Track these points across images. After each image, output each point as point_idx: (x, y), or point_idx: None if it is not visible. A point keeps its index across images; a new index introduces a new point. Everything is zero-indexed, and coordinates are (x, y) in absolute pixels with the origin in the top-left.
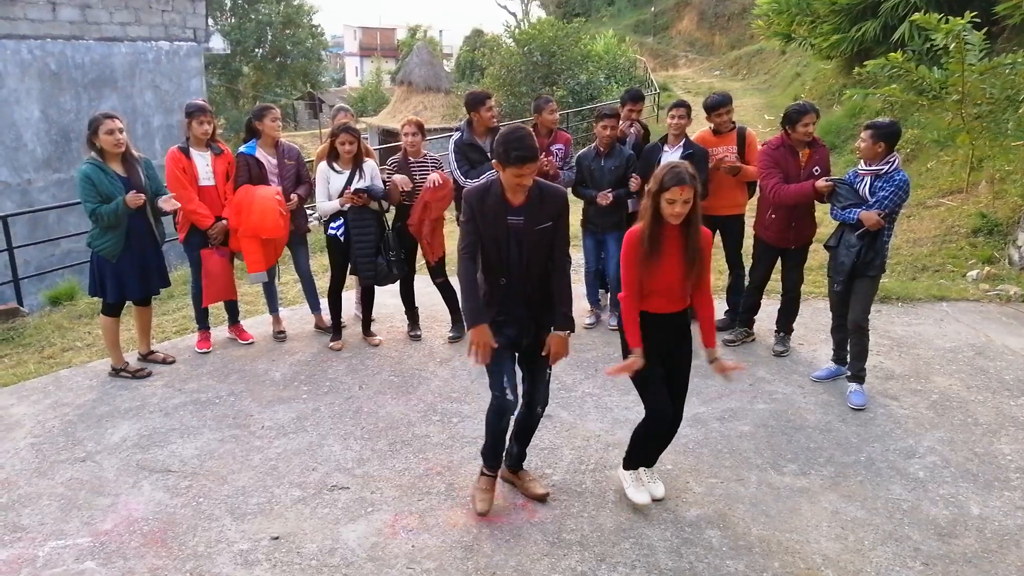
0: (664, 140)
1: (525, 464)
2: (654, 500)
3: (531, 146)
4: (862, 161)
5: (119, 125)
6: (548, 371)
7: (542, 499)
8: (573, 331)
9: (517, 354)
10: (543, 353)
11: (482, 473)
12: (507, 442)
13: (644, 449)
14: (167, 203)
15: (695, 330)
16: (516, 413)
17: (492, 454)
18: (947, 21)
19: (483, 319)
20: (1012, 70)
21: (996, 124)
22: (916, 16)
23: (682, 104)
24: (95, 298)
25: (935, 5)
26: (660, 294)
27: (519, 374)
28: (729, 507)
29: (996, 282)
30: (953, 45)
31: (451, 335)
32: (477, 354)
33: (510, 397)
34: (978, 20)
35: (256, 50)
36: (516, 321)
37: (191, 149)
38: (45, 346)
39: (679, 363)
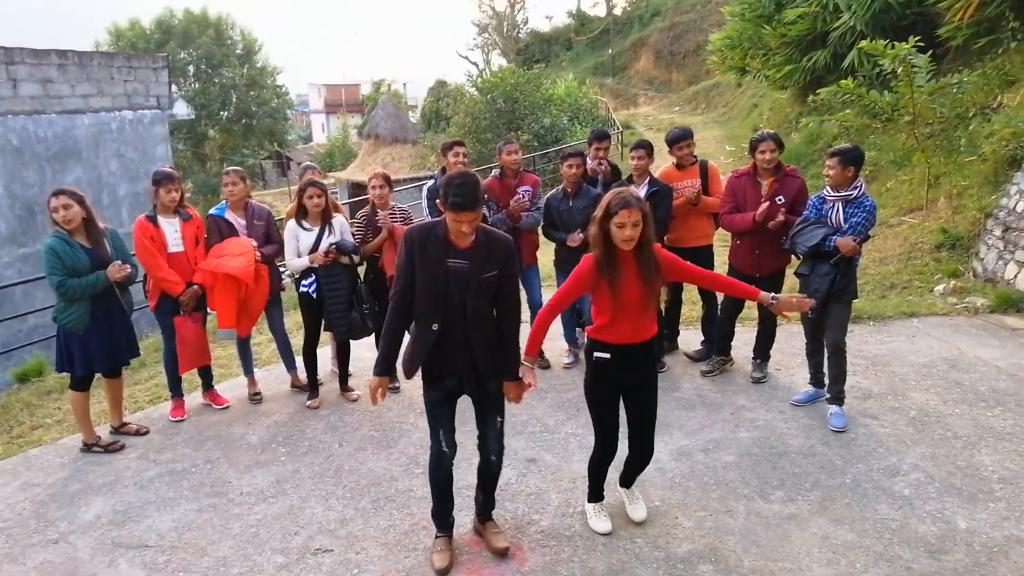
0: (629, 179)
1: (511, 512)
2: (636, 523)
3: (470, 195)
4: (828, 188)
5: (64, 202)
6: (499, 420)
7: (502, 553)
8: (518, 377)
9: (455, 405)
10: (507, 397)
11: (436, 536)
12: (452, 497)
13: (599, 478)
14: (117, 271)
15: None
16: (478, 464)
17: (438, 513)
18: (893, 47)
19: (384, 372)
20: (959, 89)
21: (949, 142)
22: (863, 43)
23: (641, 145)
24: (64, 373)
25: (881, 32)
26: (623, 323)
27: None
28: (720, 540)
29: (963, 295)
30: (901, 69)
31: None
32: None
33: (445, 449)
34: (922, 44)
35: (221, 113)
36: (455, 373)
37: (159, 216)
38: (13, 425)
39: (643, 398)
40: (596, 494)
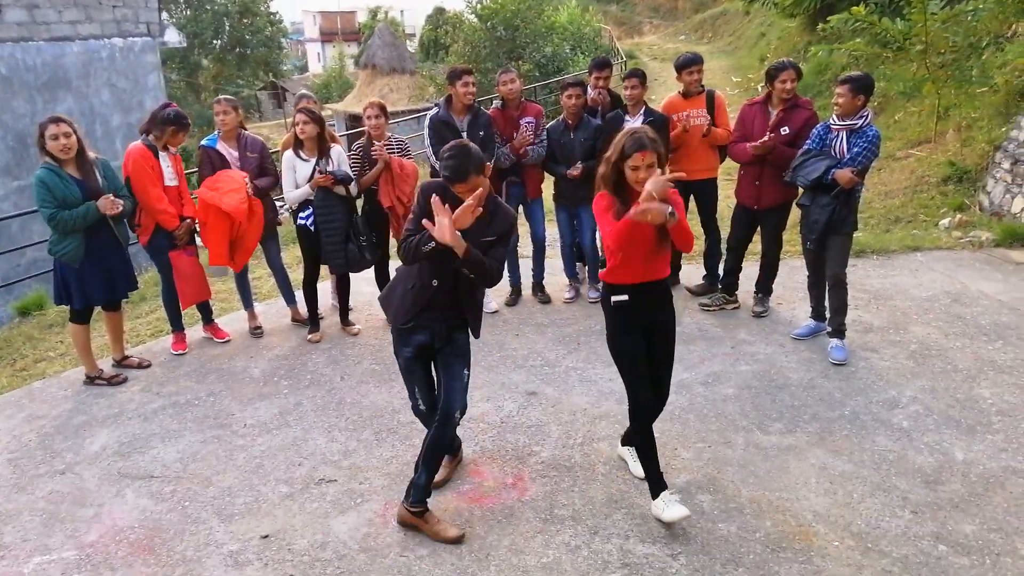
0: (625, 109)
1: (512, 444)
2: (668, 523)
3: (460, 168)
4: (834, 116)
5: (64, 130)
6: (466, 372)
7: (457, 541)
8: (473, 269)
9: (430, 363)
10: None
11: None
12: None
13: (643, 436)
14: (110, 205)
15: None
16: (434, 427)
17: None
18: None
19: (426, 233)
20: (973, 17)
21: (960, 72)
22: None
23: (634, 73)
24: (63, 306)
25: None
26: (636, 263)
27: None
28: (718, 470)
29: (968, 229)
30: None
31: None
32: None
33: (423, 407)
34: None
35: (214, 42)
36: (428, 326)
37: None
38: (16, 358)
39: (662, 337)
40: (630, 438)
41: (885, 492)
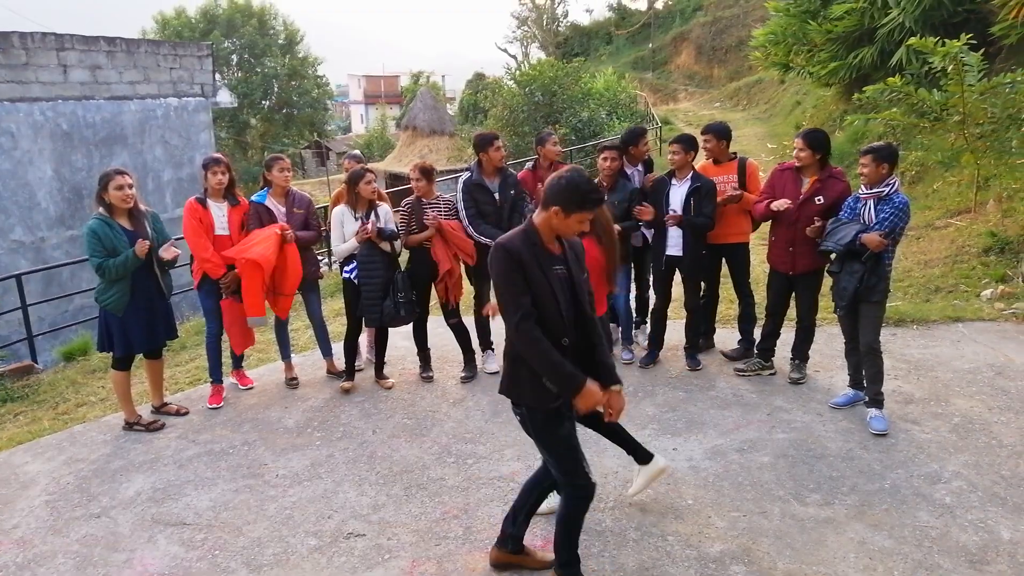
0: (671, 174)
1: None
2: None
3: (599, 189)
4: (862, 186)
5: (128, 181)
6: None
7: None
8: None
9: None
10: (604, 412)
11: None
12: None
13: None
14: (166, 251)
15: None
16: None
17: (576, 559)
18: (943, 44)
19: (582, 377)
20: (1012, 89)
21: (1000, 143)
22: (912, 40)
23: (680, 140)
24: (106, 353)
25: (931, 29)
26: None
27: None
28: (753, 541)
29: (1011, 300)
30: (951, 67)
31: (463, 375)
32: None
33: (595, 479)
34: (975, 41)
35: (263, 102)
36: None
37: (208, 200)
38: (59, 402)
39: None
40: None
41: (927, 570)
